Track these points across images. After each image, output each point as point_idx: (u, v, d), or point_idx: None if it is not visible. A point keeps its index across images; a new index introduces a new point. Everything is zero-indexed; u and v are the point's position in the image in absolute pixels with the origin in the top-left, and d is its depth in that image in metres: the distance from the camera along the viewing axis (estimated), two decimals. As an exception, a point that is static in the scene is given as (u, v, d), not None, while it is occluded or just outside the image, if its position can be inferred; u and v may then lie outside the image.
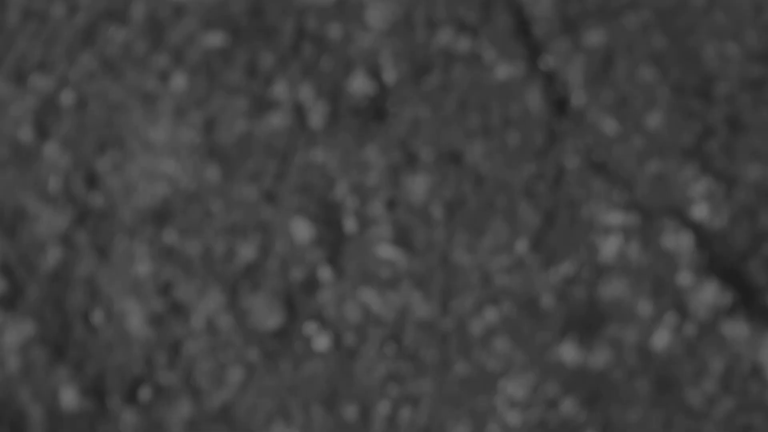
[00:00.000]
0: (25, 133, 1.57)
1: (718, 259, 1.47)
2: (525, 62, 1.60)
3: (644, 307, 1.43)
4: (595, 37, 1.62)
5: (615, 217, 1.49)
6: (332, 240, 1.49)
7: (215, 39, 1.61)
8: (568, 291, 1.45)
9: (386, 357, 1.44)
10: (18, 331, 1.45)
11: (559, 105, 1.58)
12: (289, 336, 1.44)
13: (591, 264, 1.46)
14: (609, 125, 1.56)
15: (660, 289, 1.45)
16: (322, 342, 1.44)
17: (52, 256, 1.49)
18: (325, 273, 1.47)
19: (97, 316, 1.45)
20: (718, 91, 1.59)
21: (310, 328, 1.44)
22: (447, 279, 1.46)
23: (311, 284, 1.47)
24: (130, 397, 1.44)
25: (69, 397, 1.44)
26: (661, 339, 1.42)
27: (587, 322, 1.43)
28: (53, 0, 1.67)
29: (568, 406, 1.41)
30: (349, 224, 1.50)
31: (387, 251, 1.48)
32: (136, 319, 1.45)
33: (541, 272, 1.46)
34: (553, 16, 1.63)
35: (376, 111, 1.56)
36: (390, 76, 1.58)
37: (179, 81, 1.60)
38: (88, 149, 1.56)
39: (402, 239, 1.49)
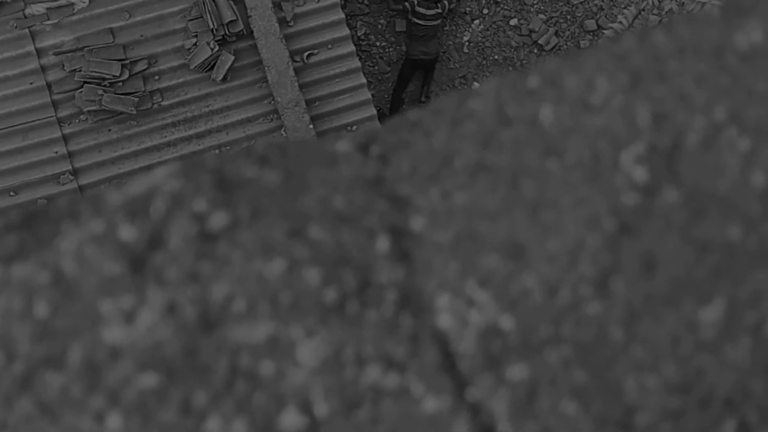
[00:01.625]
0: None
1: None
2: (451, 395, 1.64)
3: None
4: (518, 372, 1.67)
5: None
6: None
7: (150, 380, 1.65)
8: None
9: None
10: None
11: (486, 434, 1.61)
12: None
13: None
14: (535, 455, 1.59)
15: None
16: None
17: None
18: None
19: None
20: (640, 421, 1.63)
21: None
22: None
23: None
24: None
25: None
26: None
27: None
28: (-8, 346, 1.71)
29: None
30: None
31: None
32: None
33: None
34: (476, 353, 1.69)
35: (307, 443, 1.59)
36: (321, 410, 1.62)
37: (114, 421, 1.62)
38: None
39: None
